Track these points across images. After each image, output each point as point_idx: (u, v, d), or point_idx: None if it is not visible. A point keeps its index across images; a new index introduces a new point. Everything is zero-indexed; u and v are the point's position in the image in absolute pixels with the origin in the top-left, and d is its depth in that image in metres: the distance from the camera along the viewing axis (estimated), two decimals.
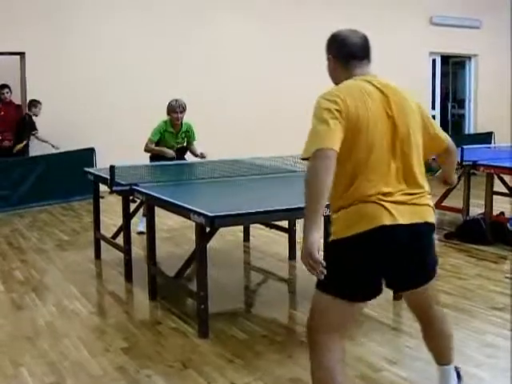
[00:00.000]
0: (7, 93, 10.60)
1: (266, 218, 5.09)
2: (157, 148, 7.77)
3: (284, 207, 4.59)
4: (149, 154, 7.87)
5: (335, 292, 2.94)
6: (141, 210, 7.20)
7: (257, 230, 7.53)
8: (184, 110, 7.79)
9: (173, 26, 12.02)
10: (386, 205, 2.86)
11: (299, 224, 6.83)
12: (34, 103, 10.60)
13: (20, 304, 5.45)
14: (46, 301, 5.52)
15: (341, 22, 13.97)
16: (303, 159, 2.84)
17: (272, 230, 7.21)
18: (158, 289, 5.52)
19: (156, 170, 6.94)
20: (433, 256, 3.13)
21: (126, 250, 6.09)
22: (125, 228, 6.17)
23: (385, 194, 2.88)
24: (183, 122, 7.89)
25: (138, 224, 7.81)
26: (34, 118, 10.60)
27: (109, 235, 6.76)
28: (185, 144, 8.02)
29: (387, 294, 5.43)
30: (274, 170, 6.63)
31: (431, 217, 3.02)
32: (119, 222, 6.54)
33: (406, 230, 2.89)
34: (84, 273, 6.42)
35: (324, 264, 2.71)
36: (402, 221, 2.86)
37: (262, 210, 4.51)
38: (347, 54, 3.08)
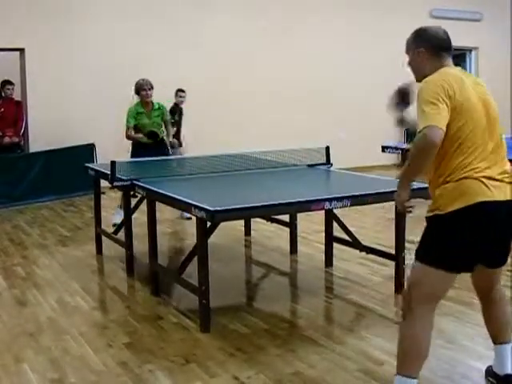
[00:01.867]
0: (10, 89, 10.57)
1: (268, 212, 5.09)
2: (134, 135, 7.92)
3: (285, 201, 4.58)
4: (130, 146, 8.05)
5: (437, 263, 3.16)
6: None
7: (258, 224, 7.54)
8: (152, 87, 7.92)
9: (173, 23, 12.00)
10: (486, 181, 3.11)
11: (300, 218, 6.85)
12: (178, 93, 10.89)
13: (22, 300, 5.46)
14: (48, 297, 5.52)
15: (339, 14, 14.06)
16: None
17: (273, 224, 7.21)
18: (160, 284, 5.53)
19: (157, 164, 6.93)
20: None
21: (128, 245, 6.10)
22: (126, 223, 6.17)
23: (485, 171, 3.13)
24: (154, 102, 8.00)
25: (115, 216, 7.85)
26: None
27: (110, 230, 6.76)
28: (161, 128, 8.11)
29: (389, 288, 5.45)
30: (276, 163, 6.63)
31: None
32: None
33: (503, 206, 3.15)
34: (85, 268, 6.42)
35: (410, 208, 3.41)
36: (498, 197, 3.13)
37: (263, 204, 4.50)
38: (439, 46, 3.35)
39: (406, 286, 3.41)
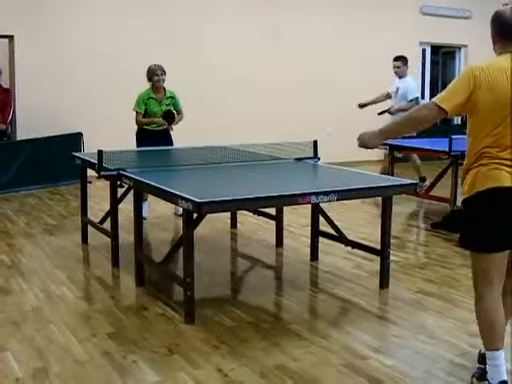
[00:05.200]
0: None
1: (254, 205, 5.10)
2: (145, 120, 7.80)
3: (272, 194, 4.60)
4: (135, 131, 7.93)
5: (472, 247, 3.46)
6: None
7: (244, 216, 7.54)
8: (164, 72, 7.80)
9: (168, 13, 11.95)
10: (506, 169, 3.29)
11: (286, 211, 6.86)
12: None
13: (6, 288, 5.44)
14: (33, 285, 5.51)
15: (331, 11, 14.01)
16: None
17: (259, 217, 7.22)
18: (145, 274, 5.53)
19: (144, 155, 6.93)
20: None
21: (113, 235, 6.09)
22: (112, 213, 6.16)
23: (506, 159, 3.30)
24: (167, 89, 7.89)
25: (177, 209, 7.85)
26: None
27: (96, 220, 6.75)
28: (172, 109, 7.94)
29: (374, 283, 5.48)
30: (263, 157, 6.63)
31: None
32: (106, 207, 6.53)
33: None
34: (71, 258, 6.41)
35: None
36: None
37: (249, 196, 4.51)
38: (504, 33, 3.49)
39: None
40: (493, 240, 3.37)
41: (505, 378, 3.41)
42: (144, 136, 7.82)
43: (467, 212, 3.47)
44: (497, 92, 3.27)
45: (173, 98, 7.94)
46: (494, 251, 3.37)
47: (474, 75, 3.31)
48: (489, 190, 3.31)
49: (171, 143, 7.97)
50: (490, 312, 3.41)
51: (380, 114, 9.70)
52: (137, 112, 7.79)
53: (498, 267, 3.41)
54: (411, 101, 9.54)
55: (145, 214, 7.55)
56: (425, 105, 3.48)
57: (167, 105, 7.88)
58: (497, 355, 3.41)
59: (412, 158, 9.87)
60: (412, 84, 9.87)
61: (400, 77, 9.86)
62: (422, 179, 9.31)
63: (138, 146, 7.79)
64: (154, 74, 7.74)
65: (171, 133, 8.01)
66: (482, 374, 3.59)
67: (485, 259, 3.39)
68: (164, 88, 7.88)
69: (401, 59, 9.84)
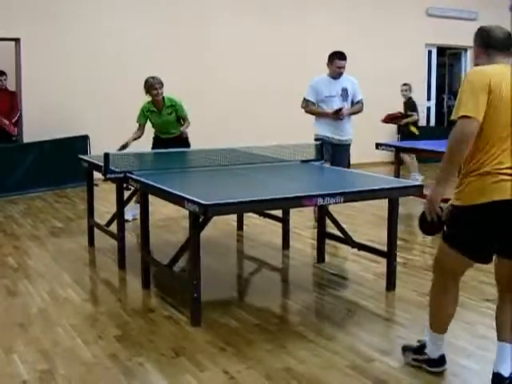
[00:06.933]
0: (2, 80, 10.55)
1: (260, 207, 5.10)
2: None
3: (278, 196, 4.59)
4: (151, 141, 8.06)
5: (457, 248, 3.51)
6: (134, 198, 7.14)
7: (250, 218, 7.54)
8: (162, 85, 7.78)
9: (172, 16, 11.96)
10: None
11: (292, 214, 6.85)
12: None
13: (13, 291, 5.45)
14: (39, 288, 5.51)
15: (336, 12, 13.95)
16: (451, 121, 3.41)
17: (266, 219, 7.21)
18: (152, 277, 5.53)
19: (151, 157, 6.93)
20: None
21: (120, 237, 6.09)
22: (118, 215, 6.16)
23: (510, 169, 3.33)
24: (165, 97, 7.88)
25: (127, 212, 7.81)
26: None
27: (103, 222, 6.75)
28: (177, 129, 8.00)
29: (380, 285, 5.46)
30: (269, 159, 6.63)
31: None
32: (113, 209, 6.53)
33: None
34: (77, 260, 6.42)
35: (440, 216, 3.50)
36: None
37: (255, 198, 4.51)
38: (489, 44, 3.62)
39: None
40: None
41: (442, 353, 3.87)
42: (158, 145, 7.86)
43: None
44: None
45: (173, 106, 7.90)
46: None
47: None
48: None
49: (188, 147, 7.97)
50: (453, 306, 3.75)
51: (335, 114, 8.00)
52: (139, 124, 7.92)
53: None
54: (358, 102, 8.39)
55: (130, 216, 7.64)
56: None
57: (169, 114, 7.88)
58: (441, 337, 3.82)
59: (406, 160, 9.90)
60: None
61: (338, 78, 8.49)
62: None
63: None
64: (153, 88, 7.72)
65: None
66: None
67: (461, 260, 3.58)
68: (163, 98, 7.86)
69: (346, 58, 8.60)
